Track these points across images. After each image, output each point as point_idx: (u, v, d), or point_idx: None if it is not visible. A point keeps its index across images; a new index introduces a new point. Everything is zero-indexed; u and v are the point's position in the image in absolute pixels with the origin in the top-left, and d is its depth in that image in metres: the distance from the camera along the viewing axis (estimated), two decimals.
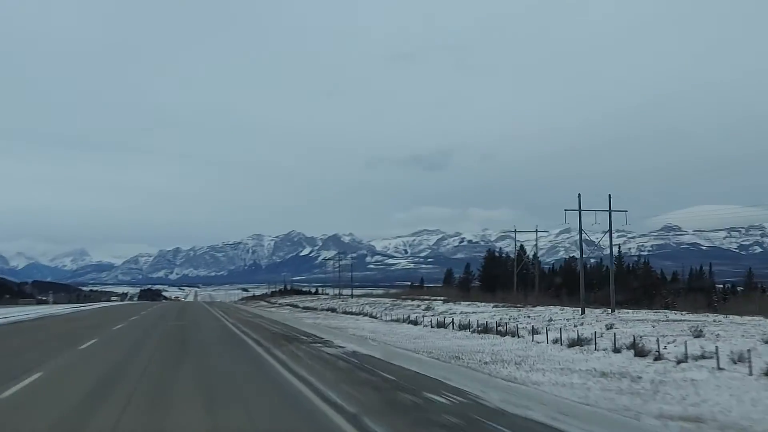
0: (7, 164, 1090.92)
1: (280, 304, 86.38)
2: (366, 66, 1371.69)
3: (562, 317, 34.05)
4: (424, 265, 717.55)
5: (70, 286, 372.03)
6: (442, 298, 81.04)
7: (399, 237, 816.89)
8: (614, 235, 44.41)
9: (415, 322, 35.52)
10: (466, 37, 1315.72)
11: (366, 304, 62.22)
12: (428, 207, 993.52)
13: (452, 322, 31.04)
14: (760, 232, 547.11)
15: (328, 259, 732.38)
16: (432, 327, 31.02)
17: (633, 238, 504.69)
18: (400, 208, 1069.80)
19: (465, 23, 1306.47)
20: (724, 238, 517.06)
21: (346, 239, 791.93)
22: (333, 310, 55.42)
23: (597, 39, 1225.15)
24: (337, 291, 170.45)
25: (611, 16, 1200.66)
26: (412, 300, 67.72)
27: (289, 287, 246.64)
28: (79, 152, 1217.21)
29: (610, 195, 44.29)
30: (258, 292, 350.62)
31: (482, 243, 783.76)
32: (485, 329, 26.70)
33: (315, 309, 60.81)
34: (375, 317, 43.43)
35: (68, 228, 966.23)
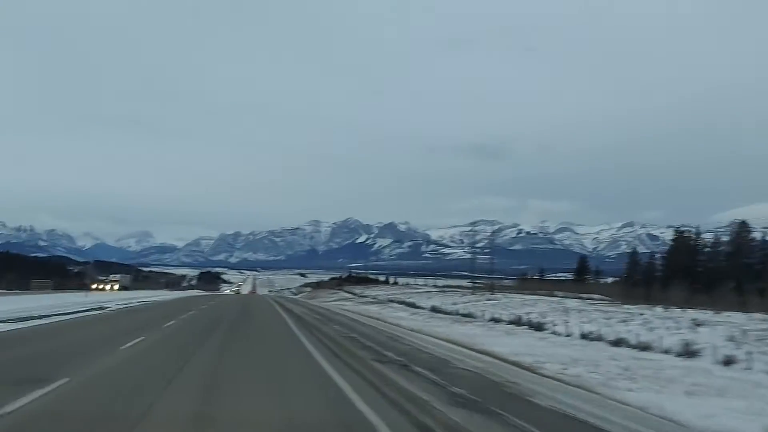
0: (77, 147, 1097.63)
1: (378, 300, 57.28)
2: (424, 51, 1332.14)
3: None
4: (480, 256, 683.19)
5: (130, 267, 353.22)
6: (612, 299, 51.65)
7: (455, 227, 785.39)
8: None
9: None
10: (526, 20, 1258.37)
11: (558, 312, 32.52)
12: (486, 197, 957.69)
13: None
14: None
15: (385, 247, 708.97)
16: None
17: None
18: (457, 198, 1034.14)
19: (525, 4, 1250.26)
20: None
21: (402, 227, 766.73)
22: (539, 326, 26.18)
23: (657, 29, 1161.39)
24: (402, 280, 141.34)
25: (672, 5, 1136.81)
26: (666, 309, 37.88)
27: (354, 275, 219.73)
28: (145, 137, 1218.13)
29: None
30: (315, 278, 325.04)
31: (540, 235, 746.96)
32: None
33: (473, 317, 31.71)
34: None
35: (134, 210, 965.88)
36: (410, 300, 48.53)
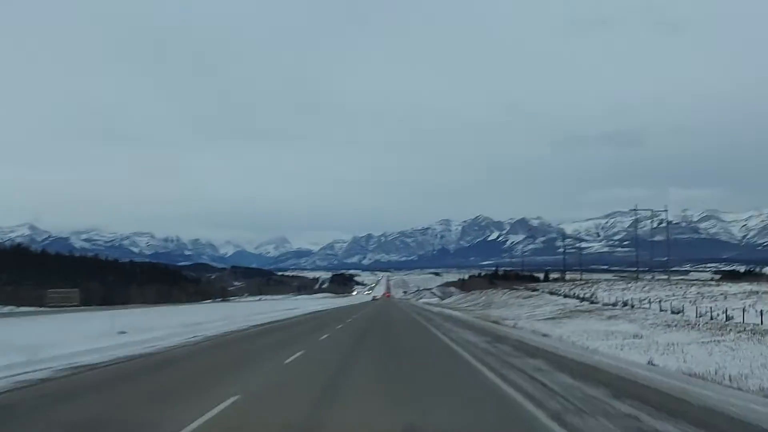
0: (216, 159, 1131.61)
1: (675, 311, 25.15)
2: (548, 36, 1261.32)
3: None
4: (619, 248, 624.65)
5: (267, 272, 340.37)
6: None
7: (591, 219, 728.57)
8: None
9: None
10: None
11: None
12: (622, 188, 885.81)
13: None
14: None
15: (517, 243, 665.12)
16: None
17: None
18: (591, 189, 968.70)
19: None
20: None
21: (535, 223, 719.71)
22: None
23: None
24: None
25: None
26: None
27: (500, 272, 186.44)
28: (278, 146, 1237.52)
29: None
30: (450, 278, 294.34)
31: (683, 224, 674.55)
32: None
33: None
34: None
35: (271, 217, 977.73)
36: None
